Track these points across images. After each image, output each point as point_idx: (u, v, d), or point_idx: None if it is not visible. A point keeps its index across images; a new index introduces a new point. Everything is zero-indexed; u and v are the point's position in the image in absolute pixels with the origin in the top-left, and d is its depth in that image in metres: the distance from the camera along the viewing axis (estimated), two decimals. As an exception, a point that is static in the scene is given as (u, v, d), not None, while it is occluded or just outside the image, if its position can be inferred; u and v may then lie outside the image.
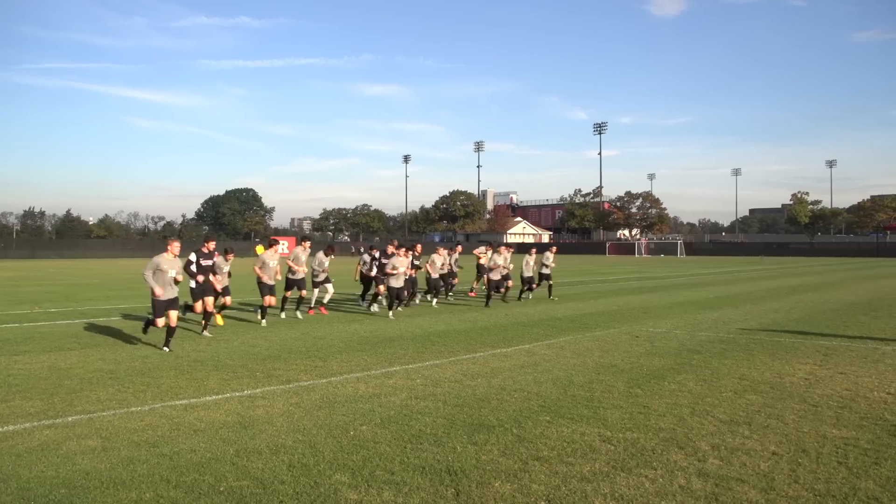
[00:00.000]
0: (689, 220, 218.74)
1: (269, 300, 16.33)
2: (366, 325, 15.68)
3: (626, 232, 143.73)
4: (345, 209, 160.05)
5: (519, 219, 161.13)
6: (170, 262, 12.10)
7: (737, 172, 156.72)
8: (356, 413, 7.74)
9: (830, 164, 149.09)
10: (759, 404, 8.23)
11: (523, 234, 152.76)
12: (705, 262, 69.65)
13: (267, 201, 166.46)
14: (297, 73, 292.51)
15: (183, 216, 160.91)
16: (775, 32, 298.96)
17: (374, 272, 20.32)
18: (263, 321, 16.13)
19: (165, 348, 11.95)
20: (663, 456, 6.25)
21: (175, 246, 12.22)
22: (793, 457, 6.27)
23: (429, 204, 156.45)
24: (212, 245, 14.86)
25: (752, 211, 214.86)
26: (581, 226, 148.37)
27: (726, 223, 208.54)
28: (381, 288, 19.15)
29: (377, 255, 20.68)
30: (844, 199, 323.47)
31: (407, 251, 19.52)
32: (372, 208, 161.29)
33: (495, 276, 21.46)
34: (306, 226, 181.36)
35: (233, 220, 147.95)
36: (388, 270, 17.89)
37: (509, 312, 18.71)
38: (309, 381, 9.48)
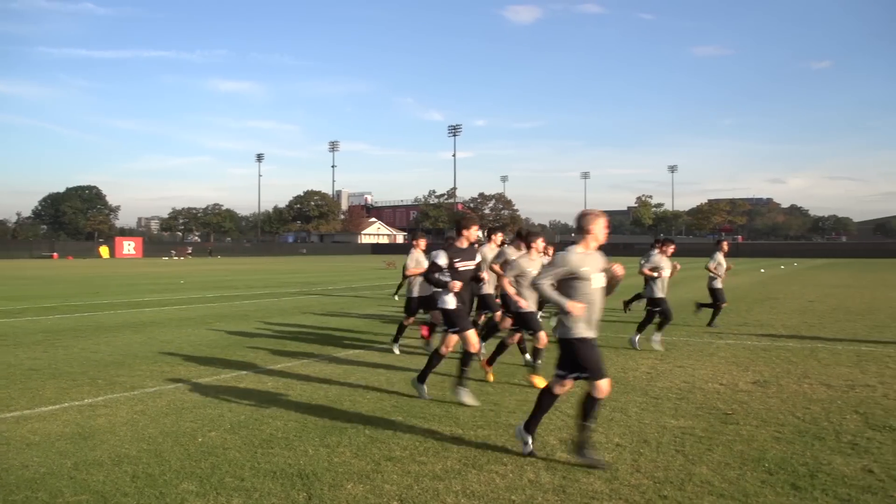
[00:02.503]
0: (541, 222, 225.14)
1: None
2: (216, 329, 15.26)
3: (480, 233, 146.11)
4: (195, 209, 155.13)
5: (373, 219, 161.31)
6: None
7: (585, 176, 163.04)
8: (205, 419, 7.54)
9: (672, 169, 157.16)
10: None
11: (378, 235, 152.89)
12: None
13: (112, 200, 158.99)
14: (145, 66, 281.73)
15: (18, 214, 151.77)
16: (624, 43, 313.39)
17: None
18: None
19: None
20: (513, 451, 6.41)
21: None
22: (635, 447, 6.58)
23: (282, 204, 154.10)
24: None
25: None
26: (435, 226, 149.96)
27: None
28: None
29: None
30: (685, 202, 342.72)
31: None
32: (223, 208, 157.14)
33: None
34: (154, 226, 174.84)
35: (74, 219, 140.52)
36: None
37: (363, 313, 18.67)
38: (155, 388, 9.14)
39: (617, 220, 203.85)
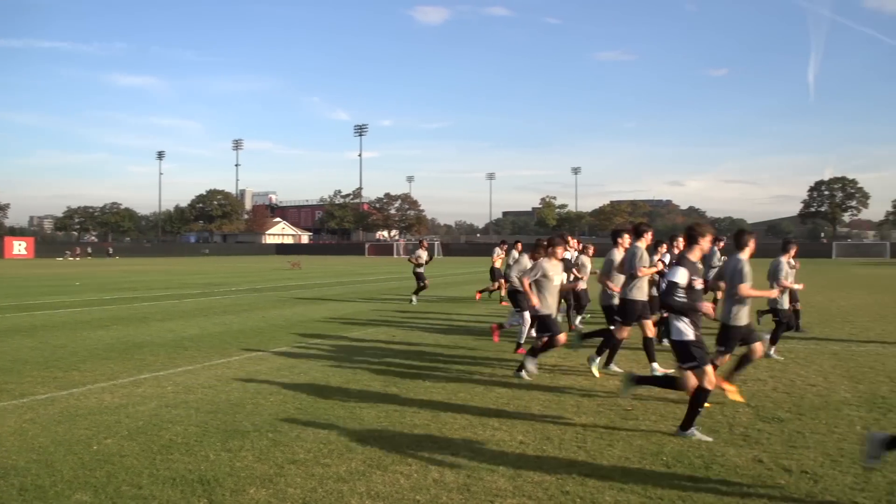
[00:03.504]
0: (446, 222, 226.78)
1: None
2: (112, 331, 14.75)
3: (385, 233, 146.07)
4: (91, 207, 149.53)
5: (278, 219, 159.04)
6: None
7: (491, 177, 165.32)
8: (100, 426, 7.28)
9: (576, 170, 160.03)
10: (508, 397, 8.68)
11: (282, 235, 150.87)
12: (462, 263, 72.30)
13: (1, 197, 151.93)
14: (38, 57, 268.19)
15: None
16: (530, 46, 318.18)
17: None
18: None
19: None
20: (417, 451, 6.43)
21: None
22: (538, 445, 6.68)
23: (184, 203, 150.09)
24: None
25: (504, 213, 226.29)
26: (341, 227, 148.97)
27: (481, 225, 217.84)
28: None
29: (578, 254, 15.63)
30: (588, 203, 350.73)
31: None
32: (122, 207, 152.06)
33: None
34: (47, 225, 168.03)
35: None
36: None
37: (266, 315, 18.38)
38: (46, 395, 8.77)
39: (522, 221, 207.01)
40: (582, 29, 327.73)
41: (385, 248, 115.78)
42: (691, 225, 7.40)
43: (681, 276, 6.90)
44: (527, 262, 12.42)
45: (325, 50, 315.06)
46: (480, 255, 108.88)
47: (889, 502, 5.24)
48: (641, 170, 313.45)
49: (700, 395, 6.90)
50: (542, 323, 9.81)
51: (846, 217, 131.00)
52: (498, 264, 22.89)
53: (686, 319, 6.93)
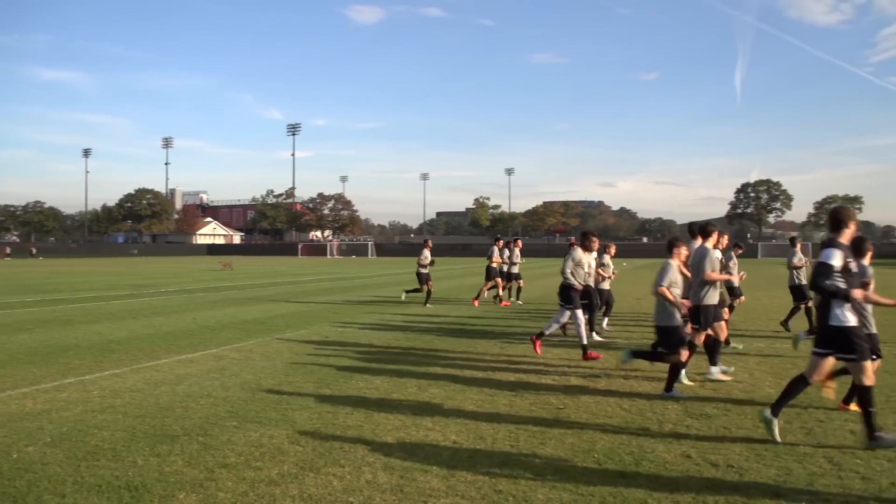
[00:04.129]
0: (380, 222, 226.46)
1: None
2: (35, 335, 14.31)
3: (319, 233, 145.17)
4: (13, 206, 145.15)
5: (209, 219, 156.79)
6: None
7: (425, 177, 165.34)
8: (21, 433, 7.05)
9: (509, 171, 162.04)
10: (441, 397, 8.69)
11: (213, 235, 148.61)
12: (395, 263, 72.18)
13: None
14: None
15: None
16: (465, 47, 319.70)
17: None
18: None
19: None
20: (351, 453, 6.38)
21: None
22: (472, 444, 6.70)
23: (112, 202, 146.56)
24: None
25: (438, 214, 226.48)
26: (273, 227, 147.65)
27: (415, 225, 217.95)
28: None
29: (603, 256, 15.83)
30: (521, 203, 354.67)
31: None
32: (46, 206, 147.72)
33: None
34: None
35: None
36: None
37: (197, 317, 18.06)
38: (-36, 401, 8.47)
39: (456, 221, 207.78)
40: (516, 31, 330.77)
41: (318, 249, 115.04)
42: (836, 209, 6.91)
43: (836, 257, 6.42)
44: (581, 256, 12.03)
45: (259, 47, 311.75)
46: (414, 255, 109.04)
47: (809, 493, 5.41)
48: (574, 171, 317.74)
49: (864, 394, 6.54)
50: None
51: (771, 218, 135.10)
52: (496, 263, 22.07)
53: (848, 304, 6.46)
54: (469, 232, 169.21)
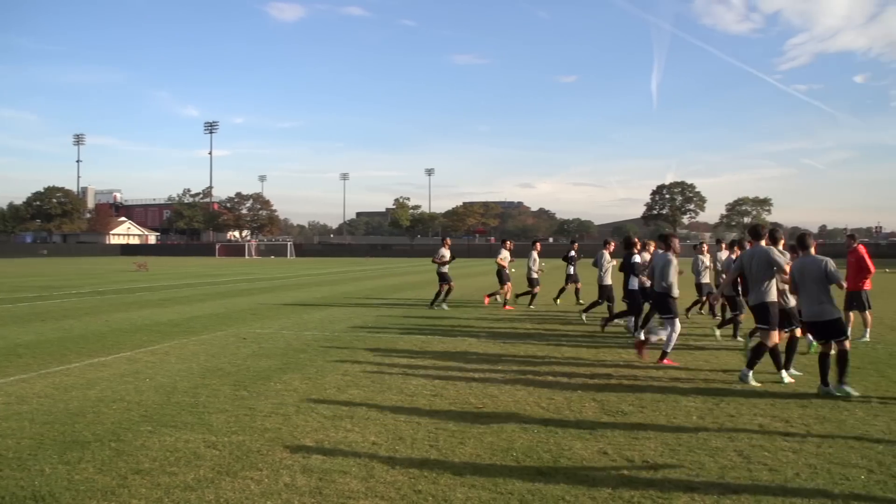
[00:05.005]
0: (300, 222, 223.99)
1: None
2: (-64, 340, 13.71)
3: (237, 233, 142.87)
4: None
5: (123, 219, 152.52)
6: None
7: (345, 177, 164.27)
8: (-80, 441, 6.75)
9: (429, 172, 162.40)
10: (360, 398, 8.65)
11: (128, 235, 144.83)
12: (315, 263, 71.60)
13: None
14: None
15: None
16: (386, 47, 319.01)
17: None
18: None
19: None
20: (269, 456, 6.31)
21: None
22: (391, 445, 6.69)
23: (19, 200, 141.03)
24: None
25: (358, 214, 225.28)
26: (190, 227, 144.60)
27: (335, 225, 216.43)
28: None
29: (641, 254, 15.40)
30: (441, 204, 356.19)
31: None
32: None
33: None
34: None
35: None
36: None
37: (110, 319, 17.57)
38: None
39: (376, 221, 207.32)
40: (438, 32, 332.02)
41: (236, 249, 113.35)
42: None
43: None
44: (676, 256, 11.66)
45: (175, 42, 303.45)
46: (334, 255, 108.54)
47: (719, 485, 5.57)
48: (494, 172, 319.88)
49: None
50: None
51: (685, 219, 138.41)
52: (506, 265, 21.20)
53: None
54: (389, 232, 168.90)
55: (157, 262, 69.89)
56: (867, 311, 13.37)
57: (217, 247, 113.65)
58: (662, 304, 11.48)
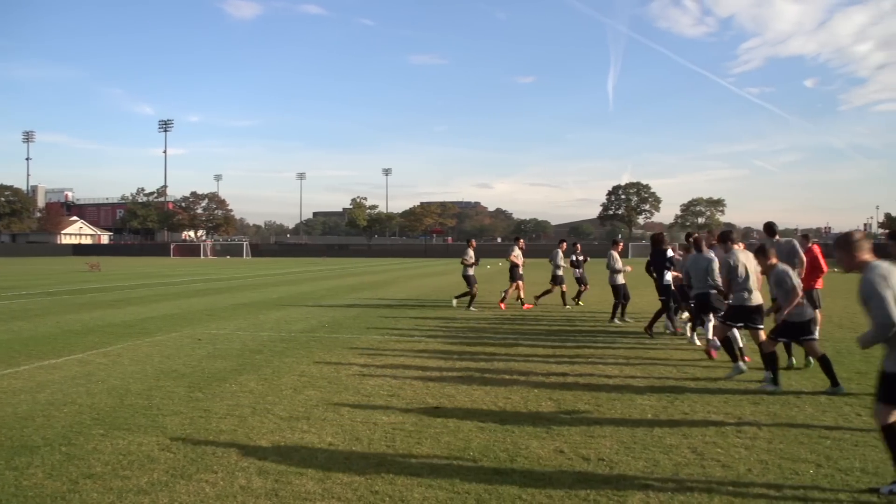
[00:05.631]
0: (256, 222, 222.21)
1: None
2: None
3: (192, 233, 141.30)
4: None
5: (75, 218, 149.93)
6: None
7: (301, 177, 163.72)
8: None
9: (387, 171, 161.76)
10: (317, 399, 8.61)
11: (80, 235, 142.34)
12: (271, 264, 71.04)
13: None
14: None
15: None
16: (344, 46, 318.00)
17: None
18: None
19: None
20: (224, 458, 6.24)
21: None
22: (348, 445, 6.67)
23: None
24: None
25: (315, 214, 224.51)
26: (144, 226, 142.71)
27: (291, 225, 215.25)
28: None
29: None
30: (398, 204, 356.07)
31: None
32: None
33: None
34: None
35: None
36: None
37: (61, 320, 17.24)
38: None
39: (333, 221, 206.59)
40: (396, 31, 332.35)
41: (192, 249, 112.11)
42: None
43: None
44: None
45: (129, 38, 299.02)
46: (291, 255, 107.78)
47: (674, 481, 5.64)
48: (451, 172, 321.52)
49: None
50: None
51: (641, 220, 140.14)
52: (520, 262, 21.23)
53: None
54: (346, 232, 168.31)
55: (110, 263, 68.81)
56: (817, 310, 13.62)
57: (172, 247, 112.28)
58: (706, 306, 11.62)
